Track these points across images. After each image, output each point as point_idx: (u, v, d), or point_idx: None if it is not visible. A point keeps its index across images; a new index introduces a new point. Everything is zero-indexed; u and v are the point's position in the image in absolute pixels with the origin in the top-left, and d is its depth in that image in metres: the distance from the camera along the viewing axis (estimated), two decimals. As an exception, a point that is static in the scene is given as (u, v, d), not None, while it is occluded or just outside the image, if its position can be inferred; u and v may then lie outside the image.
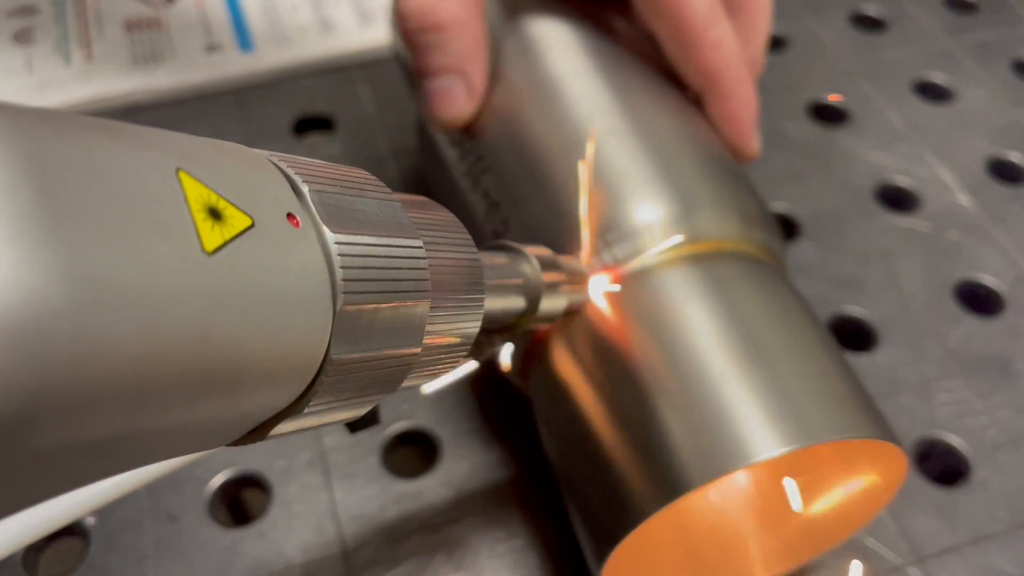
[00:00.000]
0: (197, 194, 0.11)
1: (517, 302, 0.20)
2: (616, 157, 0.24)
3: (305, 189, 0.13)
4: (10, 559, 0.26)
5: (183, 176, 0.11)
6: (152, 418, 0.10)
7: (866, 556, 0.26)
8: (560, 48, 0.27)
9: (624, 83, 0.26)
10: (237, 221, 0.11)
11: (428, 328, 0.15)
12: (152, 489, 0.28)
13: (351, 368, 0.13)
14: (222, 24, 0.42)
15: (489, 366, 0.27)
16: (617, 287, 0.23)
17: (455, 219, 0.17)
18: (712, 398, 0.20)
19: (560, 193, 0.24)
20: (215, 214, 0.11)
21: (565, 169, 0.24)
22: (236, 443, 0.13)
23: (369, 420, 0.20)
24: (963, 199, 0.36)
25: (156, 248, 0.10)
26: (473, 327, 0.17)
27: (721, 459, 0.19)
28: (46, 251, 0.08)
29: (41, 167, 0.09)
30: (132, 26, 0.42)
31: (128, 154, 0.10)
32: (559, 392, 0.23)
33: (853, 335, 0.32)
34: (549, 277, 0.20)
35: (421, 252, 0.14)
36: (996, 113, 0.40)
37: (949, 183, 0.37)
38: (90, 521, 0.27)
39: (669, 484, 0.19)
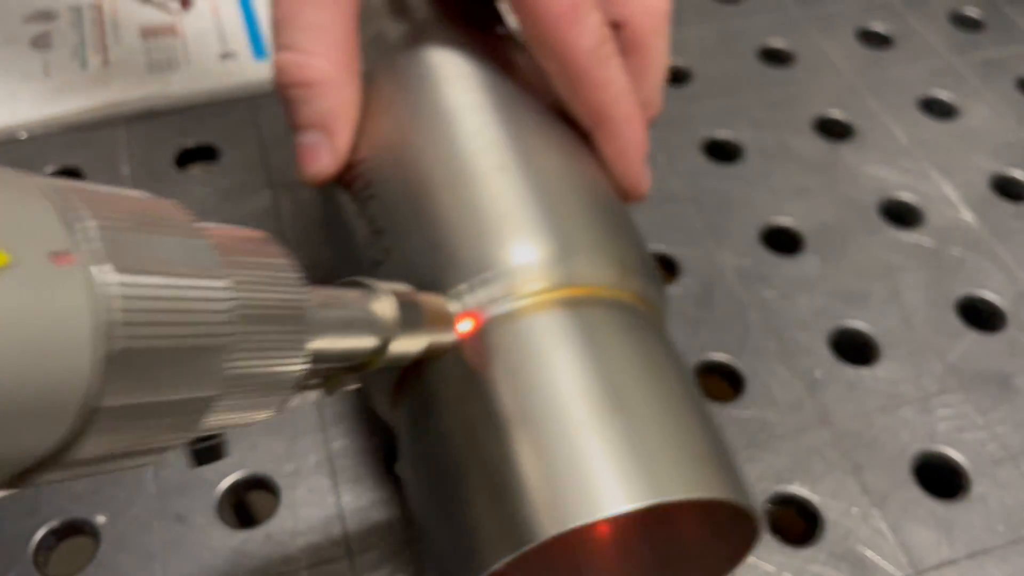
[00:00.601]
0: None
1: (366, 341, 0.19)
2: (499, 195, 0.24)
3: (91, 224, 0.12)
4: (22, 557, 0.26)
5: None
6: None
7: (865, 568, 0.27)
8: (457, 80, 0.27)
9: (518, 120, 0.26)
10: None
11: (233, 370, 0.14)
12: (162, 490, 0.28)
13: (127, 413, 0.12)
14: (237, 32, 0.43)
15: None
16: (484, 328, 0.22)
17: (286, 260, 0.17)
18: (567, 448, 0.20)
19: (442, 227, 0.23)
20: None
21: (449, 203, 0.24)
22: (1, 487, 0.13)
23: (213, 454, 0.19)
24: (966, 215, 0.37)
25: None
26: (292, 367, 0.17)
27: (570, 511, 0.19)
28: None
29: None
30: (148, 33, 0.43)
31: None
32: (420, 431, 0.23)
33: (855, 349, 0.33)
34: (407, 316, 0.20)
35: (222, 293, 0.14)
36: (1000, 130, 0.41)
37: (953, 199, 0.37)
38: (100, 520, 0.27)
39: (517, 533, 0.19)
